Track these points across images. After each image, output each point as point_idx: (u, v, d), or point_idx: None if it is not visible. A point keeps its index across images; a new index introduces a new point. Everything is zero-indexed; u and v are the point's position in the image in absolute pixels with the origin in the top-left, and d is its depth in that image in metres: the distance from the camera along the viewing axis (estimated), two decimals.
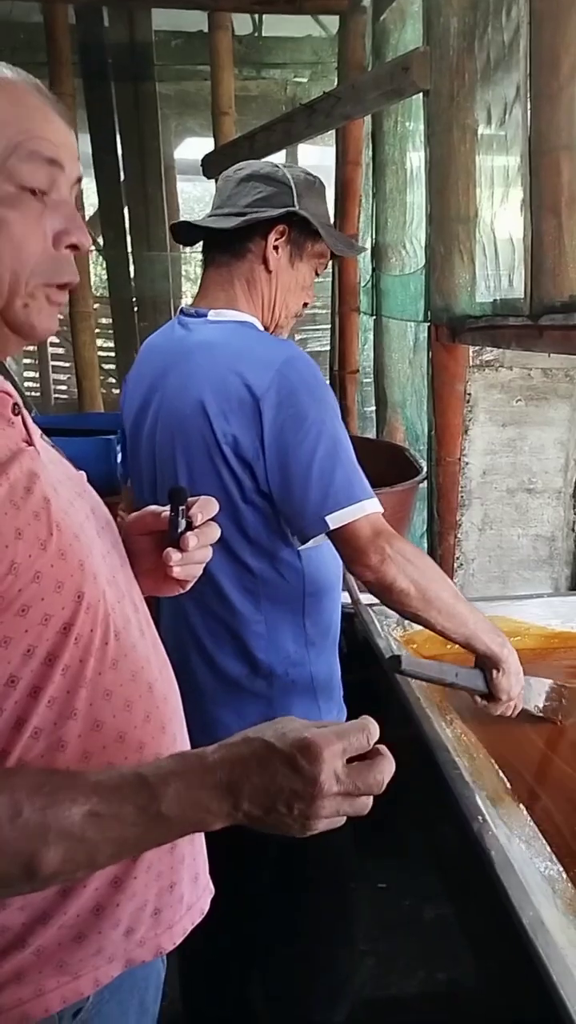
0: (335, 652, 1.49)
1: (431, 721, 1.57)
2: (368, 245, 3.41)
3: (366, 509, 1.30)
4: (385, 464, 2.79)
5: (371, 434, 3.63)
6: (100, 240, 5.24)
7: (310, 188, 1.44)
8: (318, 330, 6.28)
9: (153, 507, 1.00)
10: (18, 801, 0.72)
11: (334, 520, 1.29)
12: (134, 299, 5.31)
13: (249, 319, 1.43)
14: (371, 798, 0.78)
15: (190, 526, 0.94)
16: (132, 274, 5.25)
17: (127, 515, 1.04)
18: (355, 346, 3.75)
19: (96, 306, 5.06)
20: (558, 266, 1.64)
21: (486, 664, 1.44)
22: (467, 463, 2.51)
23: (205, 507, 0.96)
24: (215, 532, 0.96)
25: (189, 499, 0.95)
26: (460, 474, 2.52)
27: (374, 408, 3.54)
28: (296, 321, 1.56)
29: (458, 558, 2.57)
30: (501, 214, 2.04)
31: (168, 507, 0.96)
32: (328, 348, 4.22)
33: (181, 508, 0.94)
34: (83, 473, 0.97)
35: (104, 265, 5.59)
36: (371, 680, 1.84)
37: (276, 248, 1.41)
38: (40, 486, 0.82)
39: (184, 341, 1.43)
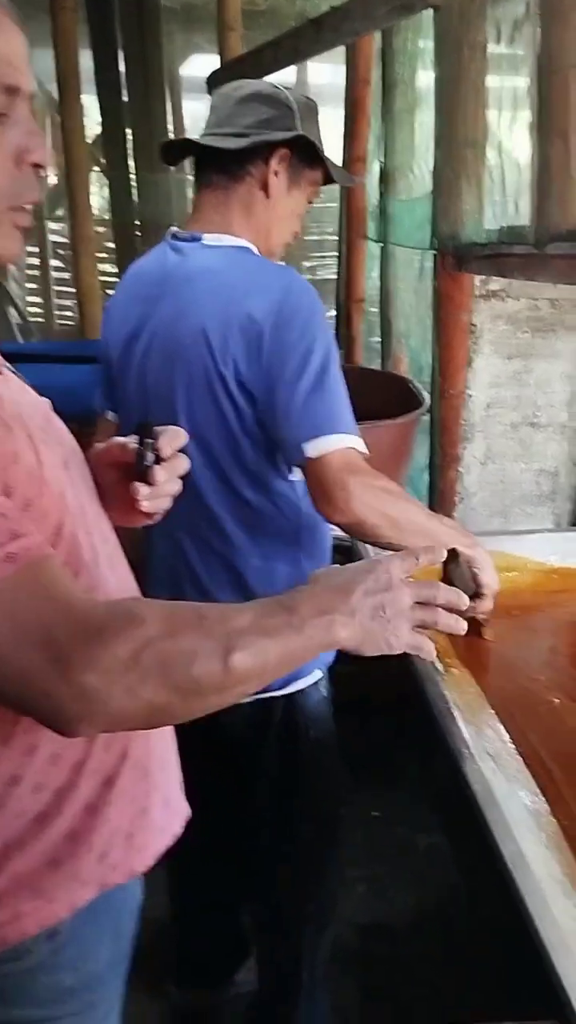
0: None
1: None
2: (376, 168, 3.31)
3: (345, 442, 1.28)
4: (388, 396, 2.75)
5: (376, 365, 3.57)
6: (102, 160, 5.11)
7: (310, 112, 1.39)
8: (326, 257, 6.15)
9: (119, 439, 0.98)
10: (198, 609, 0.80)
11: (311, 448, 1.27)
12: (137, 222, 5.19)
13: (247, 244, 1.39)
14: (453, 618, 0.90)
15: (158, 459, 0.93)
16: (135, 197, 5.13)
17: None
18: (362, 274, 3.67)
19: (100, 229, 4.95)
20: (565, 192, 1.58)
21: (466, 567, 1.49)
22: (470, 396, 2.46)
23: (173, 439, 0.94)
24: (183, 464, 0.94)
25: (156, 429, 0.93)
26: (463, 407, 2.47)
27: (380, 339, 3.48)
28: (299, 248, 1.52)
29: (459, 492, 2.55)
30: (509, 137, 1.96)
31: (135, 438, 0.94)
32: (336, 276, 4.13)
33: (148, 441, 0.92)
34: (48, 401, 0.95)
35: (107, 187, 5.46)
36: None
37: (277, 173, 1.36)
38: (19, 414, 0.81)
39: (180, 267, 1.39)
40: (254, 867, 1.51)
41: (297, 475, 1.33)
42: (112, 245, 5.63)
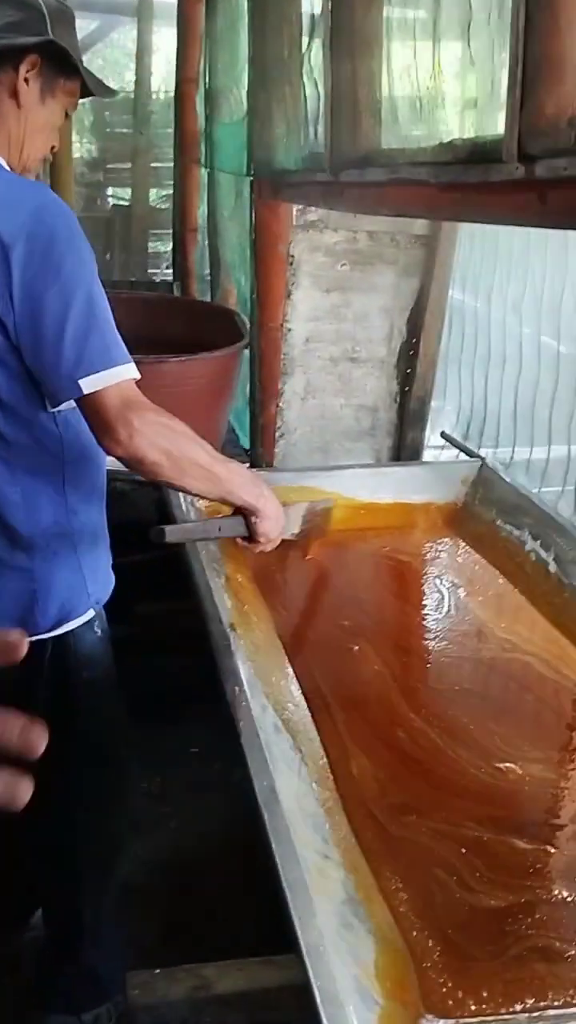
0: (101, 517, 1.44)
1: (211, 593, 1.55)
2: (202, 89, 3.19)
3: (122, 375, 1.23)
4: (216, 330, 2.68)
5: (209, 298, 3.49)
6: None
7: (62, 17, 1.29)
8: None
9: None
10: None
11: (88, 384, 1.21)
12: None
13: None
14: None
15: None
16: None
17: None
18: (195, 202, 3.55)
19: None
20: (355, 118, 1.54)
21: (246, 513, 1.48)
22: (289, 329, 2.43)
23: None
24: None
25: None
26: (282, 341, 2.44)
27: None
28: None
29: (280, 427, 2.52)
30: (311, 59, 1.90)
31: None
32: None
33: None
34: None
35: None
36: (170, 556, 1.81)
37: (27, 80, 1.26)
38: None
39: None
40: (39, 812, 1.47)
41: (63, 406, 1.26)
42: None
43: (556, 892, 1.06)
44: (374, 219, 2.35)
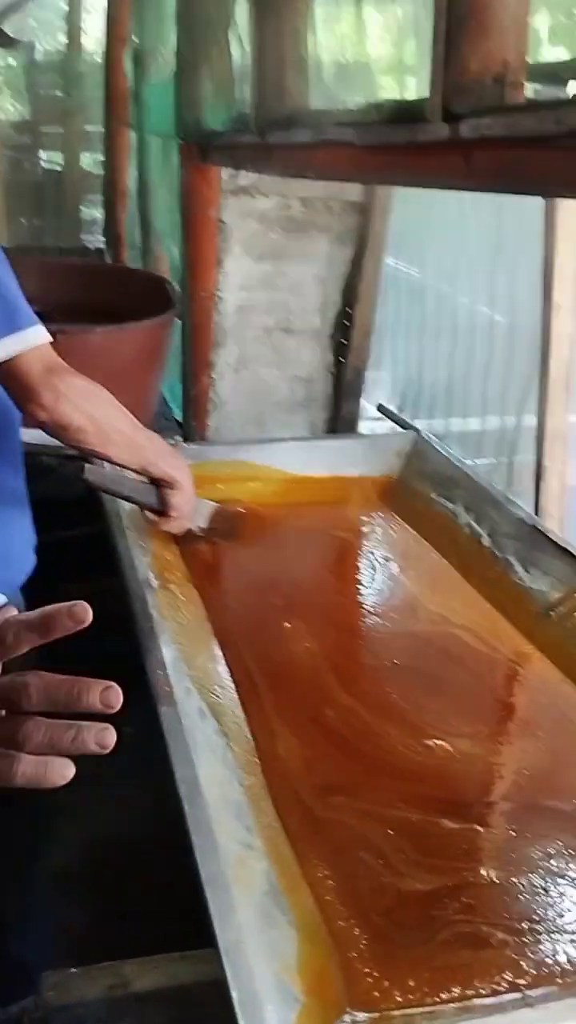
0: (18, 481, 1.39)
1: (135, 571, 1.50)
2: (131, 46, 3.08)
3: (39, 338, 1.18)
4: (146, 298, 2.61)
5: (140, 265, 3.39)
6: None
7: None
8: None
9: None
10: None
11: (3, 350, 1.15)
12: None
13: None
14: None
15: None
16: None
17: None
18: (125, 165, 3.45)
19: None
20: (281, 77, 1.48)
21: (161, 484, 1.48)
22: (221, 298, 2.37)
23: None
24: None
25: None
26: (214, 310, 2.38)
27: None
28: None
29: (213, 399, 2.47)
30: (237, 17, 1.83)
31: None
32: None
33: None
34: None
35: None
36: (98, 534, 1.75)
37: None
38: None
39: None
40: None
41: None
42: None
43: (484, 874, 1.04)
44: (307, 185, 2.29)
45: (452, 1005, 0.85)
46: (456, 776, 1.22)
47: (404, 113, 1.10)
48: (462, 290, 2.15)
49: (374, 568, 1.81)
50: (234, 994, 0.76)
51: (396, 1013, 0.84)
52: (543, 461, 1.76)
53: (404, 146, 1.07)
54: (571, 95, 1.00)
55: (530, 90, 0.99)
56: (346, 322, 2.46)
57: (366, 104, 1.22)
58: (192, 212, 2.28)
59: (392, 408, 2.45)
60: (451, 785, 1.21)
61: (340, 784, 1.19)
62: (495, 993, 0.86)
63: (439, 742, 1.28)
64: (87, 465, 1.46)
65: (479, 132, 0.90)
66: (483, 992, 0.86)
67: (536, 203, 1.71)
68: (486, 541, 1.78)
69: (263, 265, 2.38)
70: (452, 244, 2.16)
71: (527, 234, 1.80)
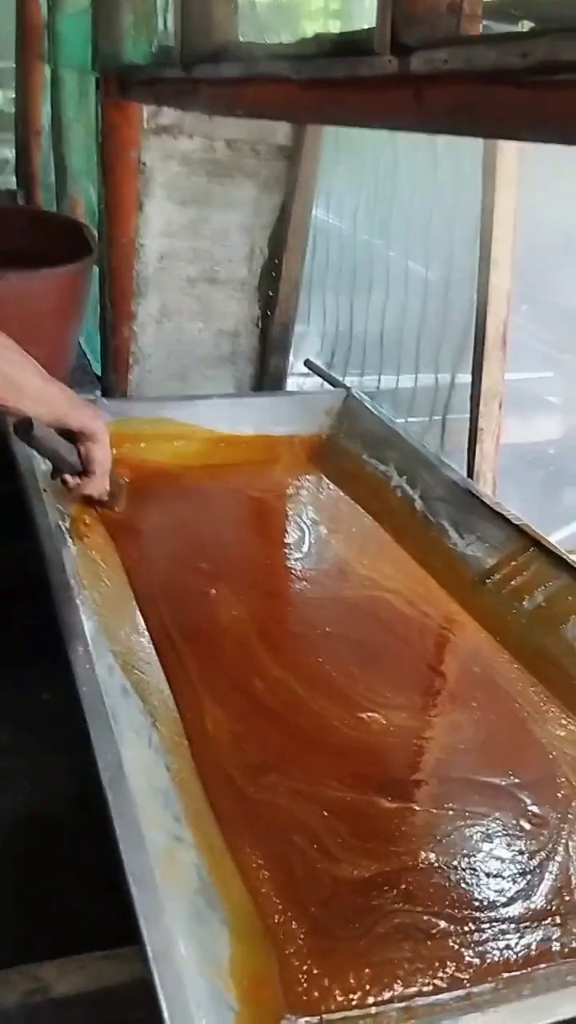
0: None
1: (52, 537, 1.40)
2: None
3: None
4: (61, 243, 2.46)
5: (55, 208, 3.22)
6: None
7: None
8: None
9: None
10: None
11: None
12: None
13: None
14: None
15: None
16: None
17: None
18: (39, 102, 3.25)
19: None
20: (207, 6, 1.36)
21: (80, 439, 1.42)
22: (142, 245, 2.24)
23: None
24: None
25: None
26: (134, 258, 2.25)
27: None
28: None
29: (134, 353, 2.35)
30: None
31: None
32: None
33: None
34: None
35: None
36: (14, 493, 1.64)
37: None
38: None
39: None
40: None
41: None
42: None
43: (422, 857, 1.00)
44: (233, 125, 2.17)
45: (395, 1006, 0.80)
46: (391, 751, 1.18)
47: (347, 46, 1.01)
48: (394, 244, 2.07)
49: (303, 531, 1.75)
50: (164, 1008, 0.70)
51: (336, 1017, 0.79)
52: (478, 422, 1.71)
53: (347, 81, 0.98)
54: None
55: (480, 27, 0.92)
56: (273, 273, 2.36)
57: (304, 36, 1.13)
58: (111, 152, 2.14)
59: (320, 364, 2.37)
60: (387, 761, 1.16)
61: (272, 762, 1.13)
62: (438, 991, 0.82)
63: (373, 715, 1.23)
64: (15, 422, 1.36)
65: (433, 66, 0.82)
66: (425, 990, 0.82)
67: (474, 152, 1.64)
68: (419, 505, 1.73)
69: (186, 211, 2.26)
70: (383, 196, 2.08)
71: (463, 185, 1.74)
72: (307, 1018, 0.78)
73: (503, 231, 1.55)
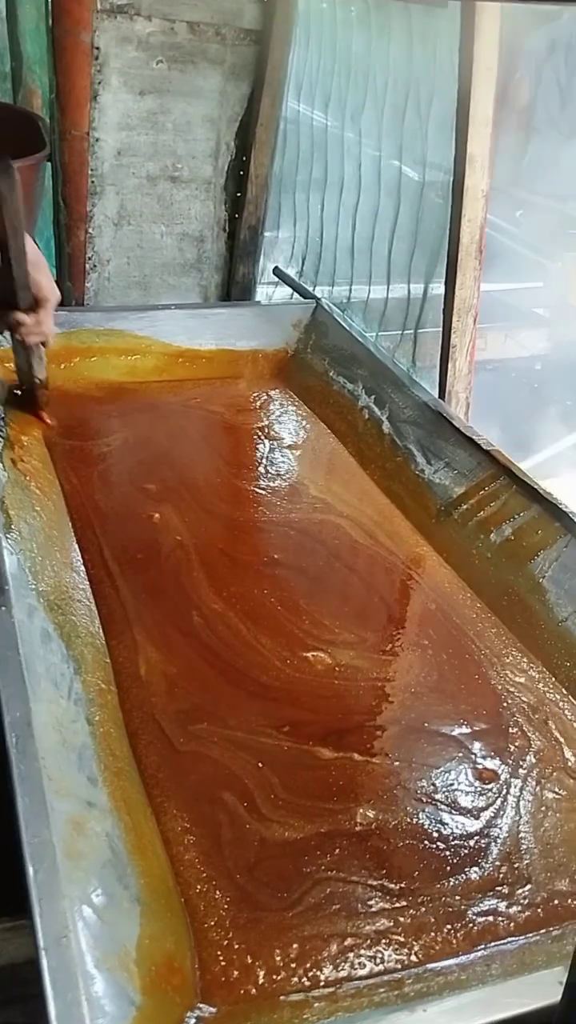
0: None
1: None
2: None
3: None
4: (14, 137, 2.27)
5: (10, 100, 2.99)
6: None
7: None
8: None
9: None
10: None
11: None
12: None
13: None
14: None
15: None
16: None
17: None
18: None
19: None
20: None
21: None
22: (97, 139, 2.07)
23: None
24: None
25: None
26: (89, 153, 2.08)
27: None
28: None
29: (91, 258, 2.19)
30: None
31: None
32: None
33: None
34: None
35: None
36: None
37: None
38: None
39: None
40: None
41: None
42: None
43: (360, 816, 0.92)
44: (195, 7, 1.98)
45: (322, 991, 0.74)
46: (336, 695, 1.10)
47: None
48: (369, 138, 1.90)
49: (261, 452, 1.64)
50: (50, 1008, 0.63)
51: (248, 1006, 0.72)
52: (451, 337, 1.59)
53: None
54: None
55: None
56: (241, 172, 2.20)
57: None
58: (61, 35, 1.95)
59: (290, 273, 2.23)
60: (330, 706, 1.08)
61: (206, 708, 1.05)
62: (372, 975, 0.75)
63: (318, 654, 1.15)
64: None
65: None
66: (358, 973, 0.76)
67: (451, 36, 1.47)
68: (386, 427, 1.62)
69: (145, 101, 2.08)
70: (357, 84, 1.90)
71: (440, 72, 1.57)
72: (217, 1008, 0.72)
73: (480, 125, 1.40)
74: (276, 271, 2.21)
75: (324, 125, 2.07)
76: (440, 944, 0.79)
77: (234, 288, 2.32)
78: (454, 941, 0.79)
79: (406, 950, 0.78)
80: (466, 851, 0.89)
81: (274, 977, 0.76)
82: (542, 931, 0.80)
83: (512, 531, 1.32)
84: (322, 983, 0.75)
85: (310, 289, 2.11)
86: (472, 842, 0.90)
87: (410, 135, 1.68)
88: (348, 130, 1.98)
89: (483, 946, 0.78)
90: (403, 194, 1.79)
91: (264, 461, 1.61)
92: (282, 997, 0.73)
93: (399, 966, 0.77)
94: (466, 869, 0.87)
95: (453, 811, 0.94)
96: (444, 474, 1.47)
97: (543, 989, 0.68)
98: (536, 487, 1.33)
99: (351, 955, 0.78)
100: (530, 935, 0.79)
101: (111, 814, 0.84)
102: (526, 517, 1.32)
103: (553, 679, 1.14)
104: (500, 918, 0.82)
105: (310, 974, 0.76)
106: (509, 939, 0.80)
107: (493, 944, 0.79)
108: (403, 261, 1.78)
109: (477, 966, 0.76)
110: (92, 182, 2.11)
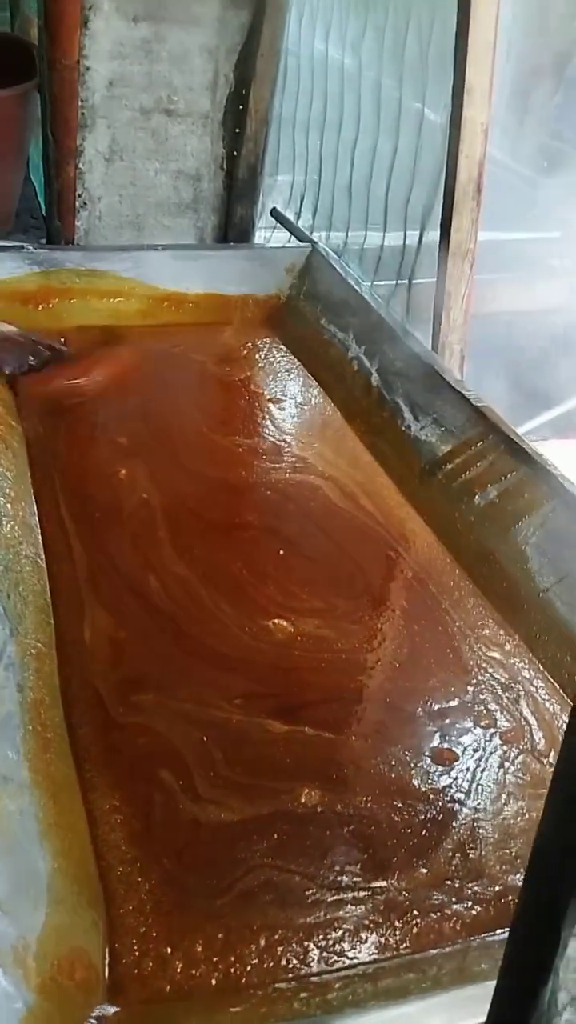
0: None
1: None
2: None
3: None
4: (10, 67, 2.18)
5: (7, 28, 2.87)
6: None
7: None
8: None
9: None
10: None
11: None
12: None
13: None
14: None
15: None
16: None
17: None
18: None
19: None
20: None
21: None
22: (88, 68, 1.96)
23: None
24: None
25: None
26: (78, 83, 1.97)
27: None
28: None
29: (81, 195, 2.09)
30: None
31: None
32: None
33: None
34: None
35: None
36: None
37: None
38: None
39: None
40: None
41: None
42: None
43: (305, 798, 0.86)
44: None
45: (248, 995, 0.68)
46: (293, 667, 1.03)
47: None
48: (369, 67, 1.79)
49: (242, 403, 1.56)
50: None
51: (158, 1007, 0.66)
52: (445, 284, 1.49)
53: None
54: None
55: None
56: (240, 106, 2.08)
57: None
58: None
59: (288, 215, 2.12)
60: (286, 678, 1.01)
61: (153, 677, 0.99)
62: (299, 978, 0.69)
63: (280, 622, 1.08)
64: None
65: None
66: (285, 973, 0.69)
67: None
68: (375, 379, 1.53)
69: (139, 28, 1.96)
70: (357, 9, 1.78)
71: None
72: (120, 1007, 0.66)
73: (480, 52, 1.29)
74: (274, 212, 2.11)
75: (324, 54, 1.95)
76: (378, 945, 0.72)
77: (231, 231, 2.22)
78: (393, 941, 0.73)
79: (339, 949, 0.72)
80: (416, 840, 0.83)
81: (192, 972, 0.70)
82: (488, 933, 0.74)
83: (498, 493, 1.24)
84: (243, 982, 0.69)
85: (307, 233, 2.00)
86: (424, 831, 0.84)
87: (411, 65, 1.56)
88: (348, 57, 1.87)
89: (425, 948, 0.72)
90: (402, 128, 1.68)
91: (246, 415, 1.53)
92: (196, 995, 0.67)
93: (329, 967, 0.70)
94: (416, 860, 0.81)
95: (406, 795, 0.87)
96: (431, 431, 1.38)
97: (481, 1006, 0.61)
98: (525, 447, 1.24)
99: (279, 950, 0.72)
100: (474, 938, 0.73)
101: (30, 790, 0.78)
102: (514, 479, 1.24)
103: (530, 654, 1.07)
104: (447, 917, 0.75)
105: (232, 969, 0.70)
106: (455, 940, 0.73)
107: (435, 947, 0.72)
108: (399, 203, 1.68)
109: (414, 972, 0.69)
110: (82, 114, 2.01)
